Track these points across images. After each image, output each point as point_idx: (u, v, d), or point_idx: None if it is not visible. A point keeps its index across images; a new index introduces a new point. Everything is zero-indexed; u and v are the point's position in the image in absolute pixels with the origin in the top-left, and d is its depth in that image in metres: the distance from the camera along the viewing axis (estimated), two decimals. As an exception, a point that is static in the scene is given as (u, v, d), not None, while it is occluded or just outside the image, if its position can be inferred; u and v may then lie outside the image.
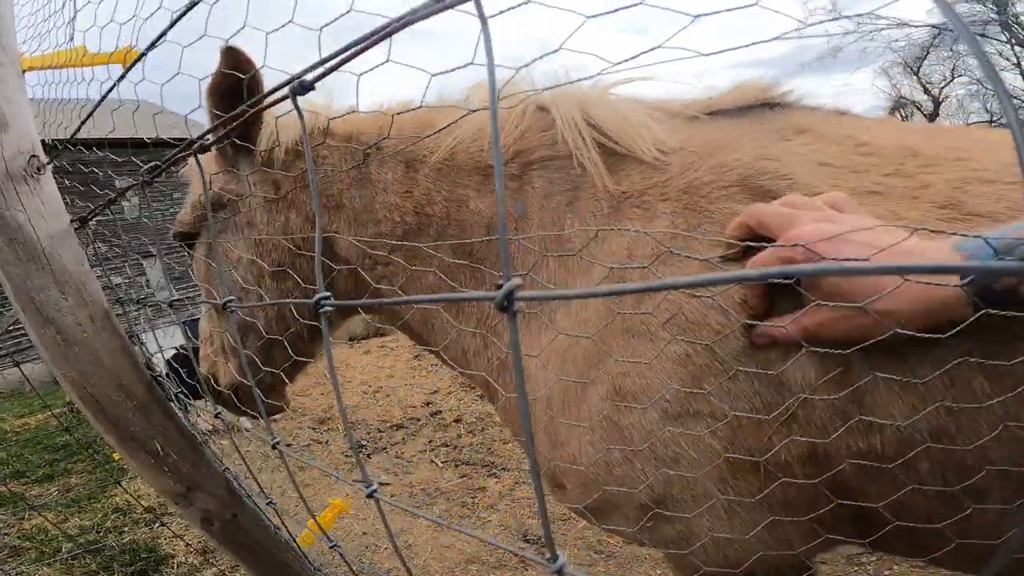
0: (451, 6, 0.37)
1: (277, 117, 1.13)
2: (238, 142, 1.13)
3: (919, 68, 22.68)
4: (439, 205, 1.06)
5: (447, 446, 4.14)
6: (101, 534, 3.71)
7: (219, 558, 3.23)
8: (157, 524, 3.68)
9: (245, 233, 1.16)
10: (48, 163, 0.85)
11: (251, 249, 1.15)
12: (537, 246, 0.97)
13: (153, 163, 0.65)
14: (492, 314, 1.06)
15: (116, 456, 2.40)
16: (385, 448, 4.25)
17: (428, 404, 4.68)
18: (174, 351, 5.06)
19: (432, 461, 3.97)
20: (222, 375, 1.24)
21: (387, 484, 3.82)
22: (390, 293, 1.14)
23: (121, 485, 3.78)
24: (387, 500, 0.50)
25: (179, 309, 1.05)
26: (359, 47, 0.43)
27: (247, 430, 4.92)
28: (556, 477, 0.91)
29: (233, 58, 0.94)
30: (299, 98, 0.47)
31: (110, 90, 0.71)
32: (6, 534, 3.90)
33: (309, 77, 0.45)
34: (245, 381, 1.20)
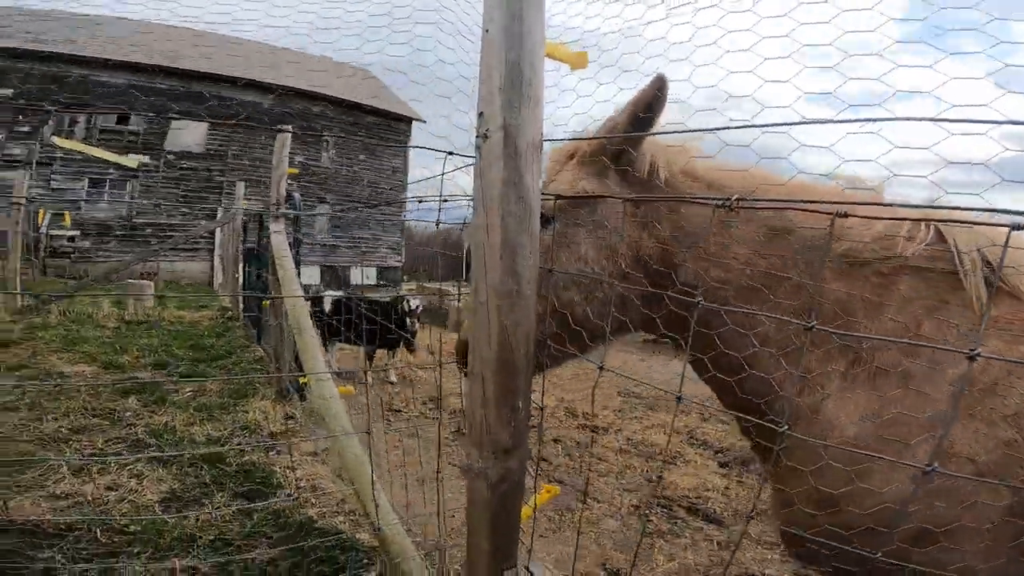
0: None
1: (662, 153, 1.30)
2: (614, 163, 1.29)
3: None
4: (792, 272, 1.19)
5: (544, 460, 4.21)
6: (225, 447, 3.86)
7: (323, 500, 3.34)
8: (275, 452, 3.83)
9: (594, 234, 1.30)
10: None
11: (596, 249, 1.29)
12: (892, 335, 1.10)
13: (738, 196, 0.79)
14: (816, 365, 1.14)
15: (304, 379, 2.61)
16: (486, 445, 4.36)
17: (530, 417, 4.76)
18: (335, 297, 5.41)
19: (527, 471, 4.04)
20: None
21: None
22: (715, 324, 1.24)
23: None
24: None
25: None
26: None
27: (392, 383, 5.17)
28: (835, 503, 1.06)
29: (660, 84, 1.18)
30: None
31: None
32: (133, 424, 3.98)
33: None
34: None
